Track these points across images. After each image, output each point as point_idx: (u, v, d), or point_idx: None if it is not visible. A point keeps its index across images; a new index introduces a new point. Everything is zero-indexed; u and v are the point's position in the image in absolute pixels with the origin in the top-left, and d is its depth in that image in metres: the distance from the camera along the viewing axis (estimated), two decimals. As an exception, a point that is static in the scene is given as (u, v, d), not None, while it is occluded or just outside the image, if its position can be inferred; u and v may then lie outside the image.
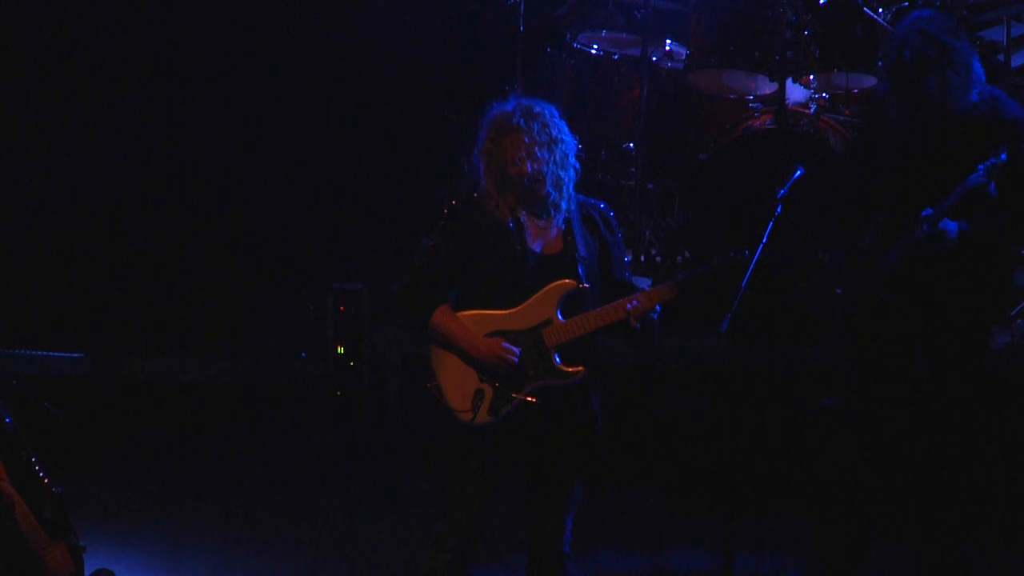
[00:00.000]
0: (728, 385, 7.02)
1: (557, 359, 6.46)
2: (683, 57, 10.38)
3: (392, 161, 11.04)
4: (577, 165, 6.61)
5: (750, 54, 9.94)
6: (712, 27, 10.10)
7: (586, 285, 6.50)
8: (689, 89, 10.25)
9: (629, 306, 6.44)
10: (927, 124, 7.00)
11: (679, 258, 10.08)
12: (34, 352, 10.15)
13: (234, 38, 11.23)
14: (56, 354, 10.18)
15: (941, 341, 7.13)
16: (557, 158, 6.52)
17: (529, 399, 6.44)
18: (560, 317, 6.46)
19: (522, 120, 6.49)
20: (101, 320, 10.59)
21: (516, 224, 6.52)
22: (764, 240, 6.48)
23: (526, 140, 6.47)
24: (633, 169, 10.36)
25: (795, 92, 10.01)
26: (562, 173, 6.54)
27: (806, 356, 9.19)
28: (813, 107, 9.89)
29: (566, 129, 6.60)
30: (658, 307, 6.50)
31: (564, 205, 6.56)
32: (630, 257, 10.25)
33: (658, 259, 10.13)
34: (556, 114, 6.59)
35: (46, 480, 6.61)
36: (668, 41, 10.51)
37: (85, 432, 9.33)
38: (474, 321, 6.48)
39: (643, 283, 10.06)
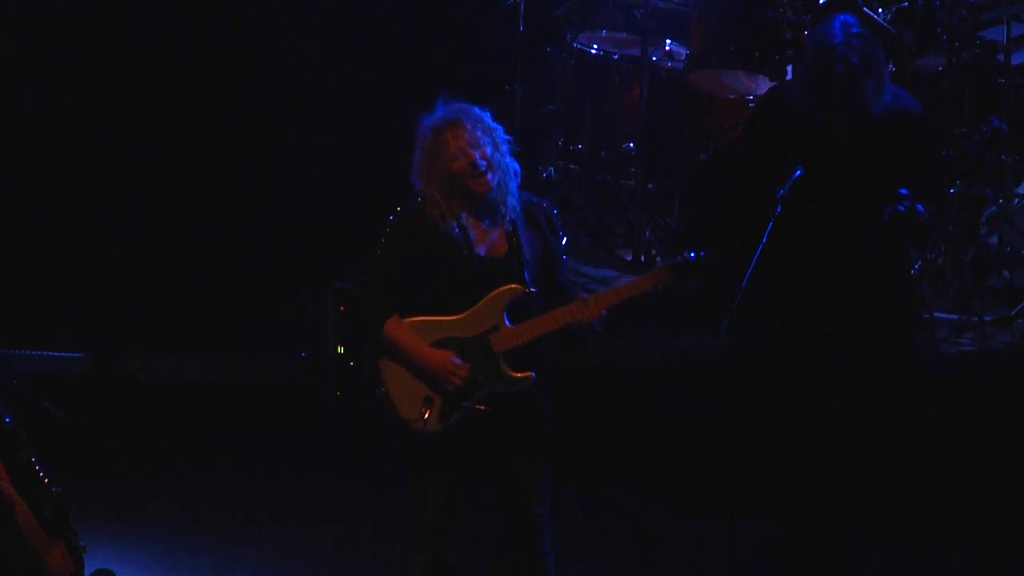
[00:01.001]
0: (728, 385, 7.02)
1: (505, 365, 6.45)
2: (683, 57, 10.39)
3: (392, 161, 11.03)
4: (516, 166, 6.61)
5: (750, 54, 9.95)
6: (712, 27, 10.11)
7: (532, 290, 6.47)
8: (689, 89, 10.25)
9: (580, 315, 6.42)
10: (861, 127, 6.96)
11: (679, 259, 10.06)
12: (34, 352, 10.15)
13: (235, 38, 11.23)
14: (56, 354, 10.19)
15: (873, 336, 7.12)
16: (499, 146, 6.52)
17: (479, 407, 6.43)
18: (507, 323, 6.44)
19: (459, 115, 6.50)
20: (101, 320, 10.60)
21: (460, 228, 6.50)
22: (764, 240, 6.48)
23: (468, 128, 6.47)
24: (633, 169, 10.36)
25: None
26: (506, 161, 6.53)
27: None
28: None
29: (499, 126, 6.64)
30: (605, 312, 6.50)
31: (510, 201, 6.55)
32: (631, 256, 10.26)
33: (658, 259, 10.13)
34: (488, 113, 6.62)
35: (46, 480, 6.61)
36: (668, 41, 10.51)
37: (85, 432, 9.34)
38: (420, 328, 6.44)
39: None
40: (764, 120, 7.33)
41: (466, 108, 6.55)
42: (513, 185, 6.57)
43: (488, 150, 6.49)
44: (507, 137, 6.60)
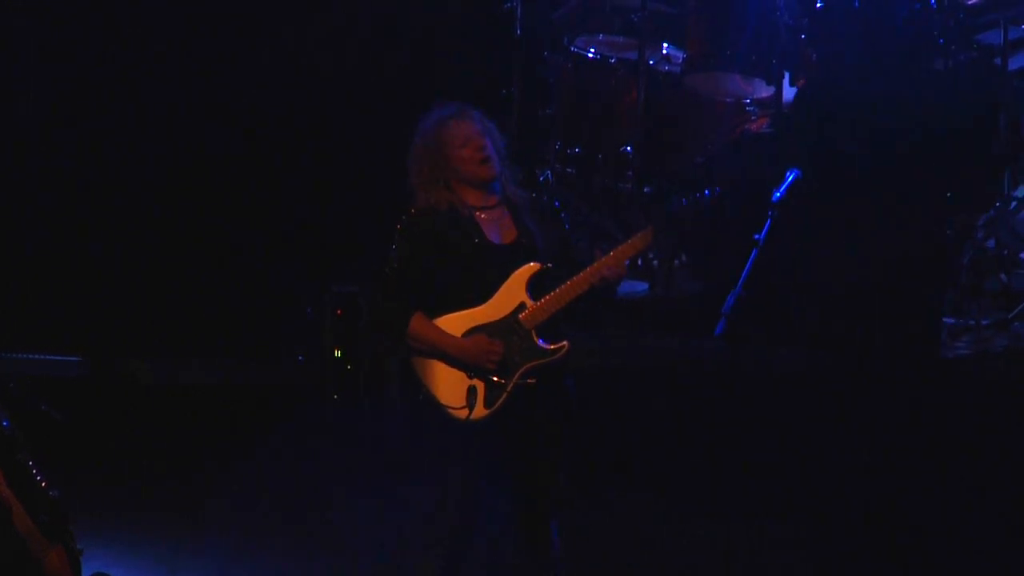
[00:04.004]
0: (726, 387, 7.06)
1: (539, 340, 6.52)
2: (680, 60, 10.41)
3: (391, 165, 11.04)
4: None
5: (747, 57, 9.97)
6: (709, 31, 10.12)
7: (549, 265, 6.58)
8: (686, 92, 10.27)
9: (606, 271, 6.54)
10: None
11: (676, 261, 10.10)
12: (32, 355, 10.15)
13: (233, 39, 11.23)
14: (54, 357, 10.19)
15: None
16: (498, 145, 6.68)
17: (529, 380, 6.51)
18: (532, 299, 6.54)
19: (462, 108, 6.68)
20: (99, 323, 10.59)
21: (469, 220, 6.60)
22: (761, 243, 6.49)
23: (473, 117, 6.65)
24: (630, 172, 10.38)
25: (792, 95, 10.03)
26: (504, 157, 6.70)
27: (803, 358, 9.21)
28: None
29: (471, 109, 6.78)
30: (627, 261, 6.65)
31: (512, 188, 6.69)
32: (628, 260, 10.25)
33: (655, 262, 10.15)
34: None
35: (43, 483, 6.61)
36: (665, 44, 10.53)
37: (82, 434, 9.33)
38: (450, 324, 6.54)
39: (641, 286, 10.12)
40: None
41: (466, 107, 6.71)
42: (512, 178, 6.72)
43: (489, 143, 6.64)
44: (502, 141, 6.74)
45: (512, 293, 6.56)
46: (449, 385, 6.54)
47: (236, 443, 9.91)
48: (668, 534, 8.69)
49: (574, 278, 6.55)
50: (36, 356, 10.16)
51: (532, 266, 6.57)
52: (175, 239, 11.07)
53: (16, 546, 6.49)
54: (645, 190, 10.34)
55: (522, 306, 6.55)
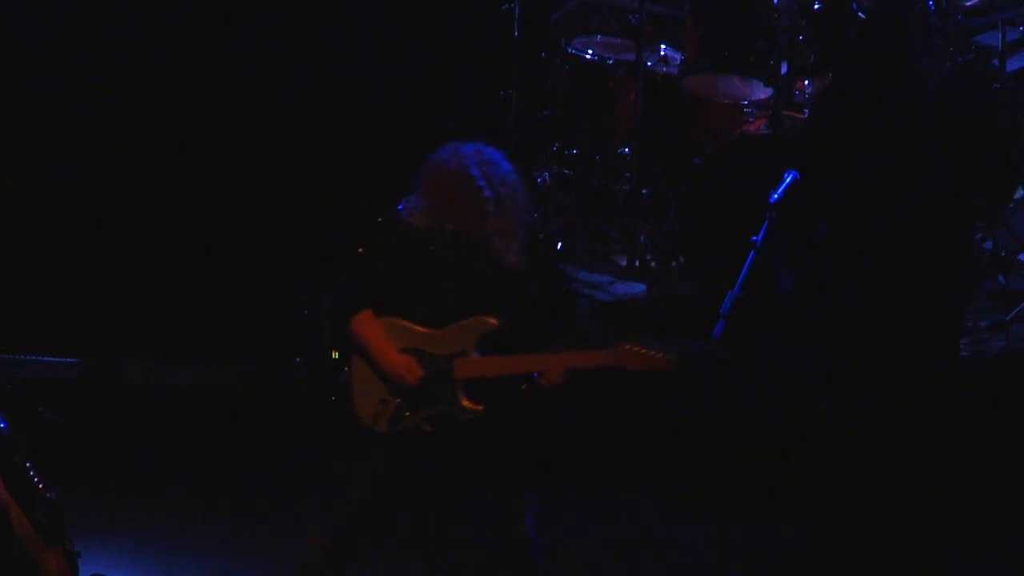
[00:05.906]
0: (724, 389, 7.06)
1: (461, 392, 6.44)
2: (678, 62, 10.41)
3: (388, 167, 11.05)
4: (525, 216, 6.60)
5: (745, 59, 9.97)
6: (707, 32, 10.12)
7: (498, 322, 6.43)
8: (684, 94, 10.26)
9: (548, 369, 6.38)
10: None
11: (674, 263, 10.09)
12: (29, 357, 10.15)
13: (227, 43, 11.23)
14: (52, 359, 10.18)
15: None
16: (511, 208, 6.49)
17: (426, 427, 6.44)
18: (476, 352, 6.44)
19: (482, 181, 6.46)
20: (97, 325, 10.59)
21: (445, 248, 6.52)
22: (758, 244, 6.49)
23: (486, 195, 6.44)
24: (628, 174, 10.37)
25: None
26: (516, 223, 6.53)
27: (799, 359, 9.19)
28: (808, 112, 9.91)
29: (513, 169, 6.57)
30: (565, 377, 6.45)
31: (512, 251, 6.54)
32: (625, 261, 10.27)
33: (652, 264, 10.14)
34: (504, 157, 6.56)
35: (41, 485, 6.61)
36: (663, 46, 10.53)
37: (80, 437, 9.33)
38: (395, 329, 6.49)
39: (638, 288, 10.12)
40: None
41: (490, 160, 6.52)
42: (517, 234, 6.53)
43: (499, 223, 6.46)
44: (518, 186, 6.55)
45: (461, 336, 6.46)
46: (366, 386, 6.51)
47: (234, 445, 9.91)
48: (668, 534, 8.69)
49: (514, 357, 6.43)
50: (34, 358, 10.15)
51: (488, 321, 6.44)
52: (173, 241, 11.07)
53: (14, 548, 6.48)
54: (643, 192, 10.34)
55: (463, 353, 6.44)
